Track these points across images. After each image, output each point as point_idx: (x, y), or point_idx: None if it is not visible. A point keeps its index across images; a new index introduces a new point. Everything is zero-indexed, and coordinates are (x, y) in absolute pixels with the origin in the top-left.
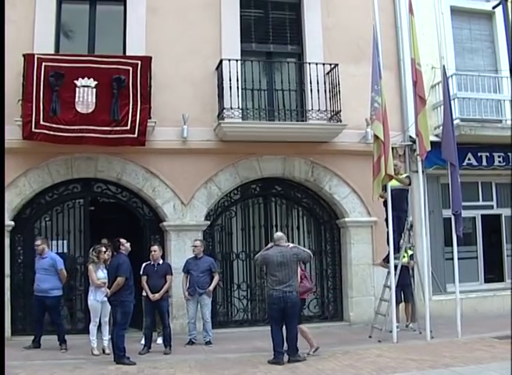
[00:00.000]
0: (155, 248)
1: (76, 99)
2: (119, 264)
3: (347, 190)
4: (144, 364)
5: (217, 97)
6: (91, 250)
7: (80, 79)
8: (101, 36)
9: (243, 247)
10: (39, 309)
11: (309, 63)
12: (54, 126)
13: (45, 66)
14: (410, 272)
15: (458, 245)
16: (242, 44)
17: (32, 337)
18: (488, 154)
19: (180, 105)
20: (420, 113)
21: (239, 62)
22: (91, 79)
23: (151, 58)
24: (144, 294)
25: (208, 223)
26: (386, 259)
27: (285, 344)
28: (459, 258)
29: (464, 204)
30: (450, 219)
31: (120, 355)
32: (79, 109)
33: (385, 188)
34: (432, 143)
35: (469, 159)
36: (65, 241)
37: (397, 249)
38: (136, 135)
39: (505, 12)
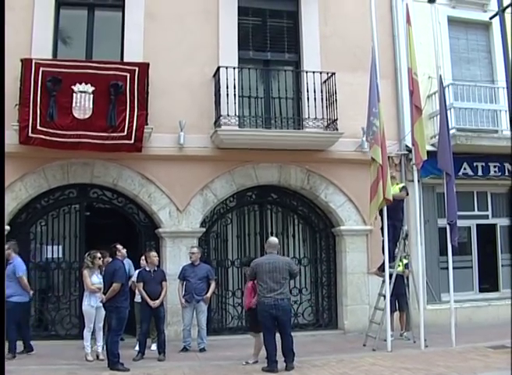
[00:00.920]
0: (155, 253)
1: (73, 105)
2: (115, 270)
3: (343, 198)
4: (137, 370)
5: (214, 104)
6: (86, 255)
7: (77, 84)
8: (99, 42)
9: (239, 254)
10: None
11: (306, 71)
12: (50, 131)
13: (43, 71)
14: (405, 281)
15: (453, 255)
16: (239, 51)
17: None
18: (483, 164)
19: (177, 112)
20: (416, 123)
21: (236, 69)
22: (89, 84)
23: (148, 64)
24: (137, 300)
25: (204, 229)
26: (381, 268)
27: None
28: (454, 268)
29: (459, 213)
30: (445, 228)
31: (114, 362)
32: (76, 115)
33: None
34: (428, 152)
35: (465, 169)
36: (60, 246)
37: (392, 258)
38: (132, 141)
39: (502, 23)
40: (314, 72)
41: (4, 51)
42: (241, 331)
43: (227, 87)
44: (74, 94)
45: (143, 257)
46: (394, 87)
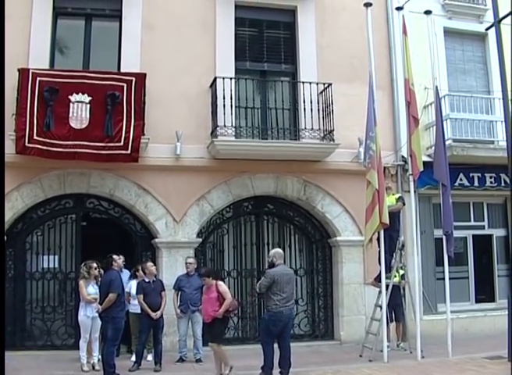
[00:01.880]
0: (151, 263)
1: (70, 114)
2: (111, 280)
3: (339, 209)
4: None
5: (210, 114)
6: (82, 265)
7: (74, 94)
8: (96, 52)
9: (235, 265)
10: None
11: (303, 82)
12: (47, 141)
13: (40, 80)
14: (401, 291)
15: (449, 265)
16: (236, 62)
17: (23, 352)
18: (480, 174)
19: (174, 122)
20: (413, 133)
21: (233, 80)
22: (85, 94)
23: (145, 74)
24: (132, 310)
25: (200, 240)
26: (378, 279)
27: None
28: (450, 278)
29: (455, 224)
30: (442, 239)
31: (110, 372)
32: (72, 125)
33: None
34: (424, 163)
35: (461, 180)
36: (56, 256)
37: (389, 269)
38: (129, 151)
39: (498, 34)
40: (310, 82)
41: (4, 62)
42: (237, 342)
43: (224, 98)
44: (71, 104)
45: (140, 269)
46: (390, 98)
